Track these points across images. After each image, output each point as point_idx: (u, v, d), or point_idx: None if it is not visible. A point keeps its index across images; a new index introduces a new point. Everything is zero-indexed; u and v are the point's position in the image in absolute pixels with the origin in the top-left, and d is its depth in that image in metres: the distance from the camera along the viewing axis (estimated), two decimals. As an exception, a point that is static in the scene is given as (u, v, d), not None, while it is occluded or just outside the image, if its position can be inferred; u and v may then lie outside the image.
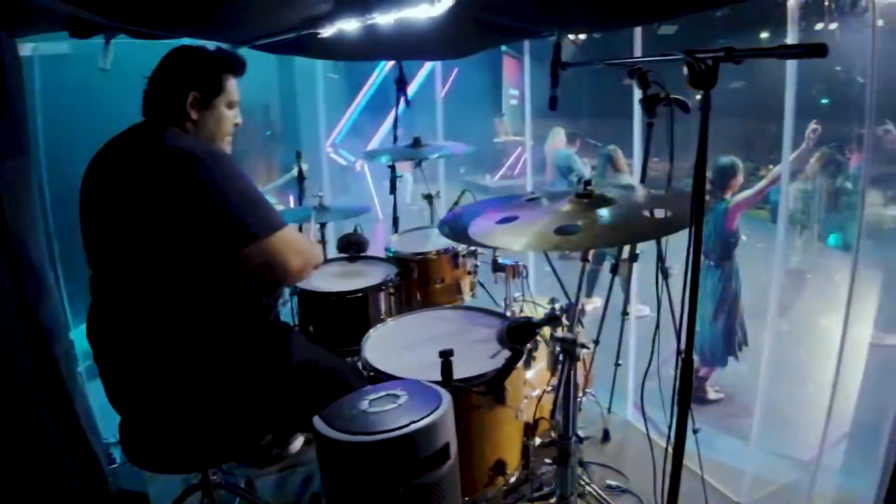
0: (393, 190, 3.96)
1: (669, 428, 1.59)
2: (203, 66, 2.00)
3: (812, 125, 3.95)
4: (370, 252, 3.42)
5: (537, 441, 2.40)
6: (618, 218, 1.86)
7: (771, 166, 4.42)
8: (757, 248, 5.49)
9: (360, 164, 8.80)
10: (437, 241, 3.29)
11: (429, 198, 3.86)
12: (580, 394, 2.74)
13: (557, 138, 7.84)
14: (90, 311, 1.95)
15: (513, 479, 2.33)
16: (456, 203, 3.43)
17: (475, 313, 2.70)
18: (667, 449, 1.71)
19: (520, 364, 2.16)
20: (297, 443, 3.13)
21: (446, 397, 1.78)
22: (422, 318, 2.69)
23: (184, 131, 1.96)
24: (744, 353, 4.45)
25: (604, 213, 1.87)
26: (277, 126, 8.13)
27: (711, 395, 4.58)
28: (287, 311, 3.08)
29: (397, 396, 1.78)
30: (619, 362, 3.37)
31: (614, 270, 3.13)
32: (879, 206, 5.94)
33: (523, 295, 3.14)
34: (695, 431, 2.78)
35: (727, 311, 4.39)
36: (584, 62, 1.97)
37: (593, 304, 5.74)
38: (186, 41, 2.14)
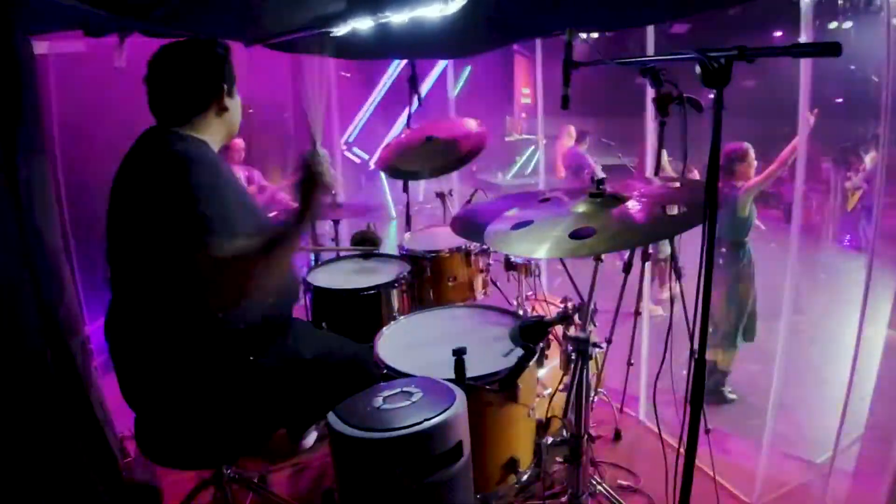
0: (406, 188, 3.98)
1: (682, 428, 1.59)
2: (217, 56, 2.00)
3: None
4: (383, 250, 3.43)
5: (549, 440, 2.39)
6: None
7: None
8: (770, 247, 5.46)
9: (373, 163, 8.81)
10: (449, 240, 3.29)
11: (442, 196, 3.87)
12: (592, 393, 2.74)
13: (567, 137, 7.84)
14: (109, 309, 1.97)
15: (525, 478, 2.33)
16: (469, 202, 3.44)
17: (488, 312, 2.70)
18: (679, 449, 1.70)
19: (532, 363, 2.16)
20: (311, 438, 3.15)
21: (460, 395, 1.78)
22: (434, 317, 2.70)
23: (205, 126, 1.97)
24: (755, 340, 4.43)
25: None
26: (290, 124, 8.17)
27: (728, 395, 4.56)
28: (300, 307, 3.10)
29: (411, 393, 1.79)
30: (632, 361, 3.36)
31: (626, 269, 3.13)
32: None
33: (535, 293, 3.14)
34: (707, 432, 2.78)
35: (742, 295, 4.37)
36: (597, 61, 1.97)
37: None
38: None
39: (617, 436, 3.32)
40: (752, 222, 4.36)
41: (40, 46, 3.38)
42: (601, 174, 2.01)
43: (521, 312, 2.77)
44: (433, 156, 3.40)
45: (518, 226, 1.96)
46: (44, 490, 2.15)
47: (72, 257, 3.47)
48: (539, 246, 1.81)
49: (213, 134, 2.00)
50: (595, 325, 2.23)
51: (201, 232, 1.67)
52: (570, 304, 2.16)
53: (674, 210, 1.81)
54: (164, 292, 1.80)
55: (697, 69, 1.37)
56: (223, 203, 1.78)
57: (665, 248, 4.38)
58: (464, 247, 3.22)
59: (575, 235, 1.78)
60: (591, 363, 2.21)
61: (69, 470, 2.25)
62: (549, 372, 2.63)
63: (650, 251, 3.10)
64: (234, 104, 2.05)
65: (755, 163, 4.41)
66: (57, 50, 3.82)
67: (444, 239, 3.38)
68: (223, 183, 1.89)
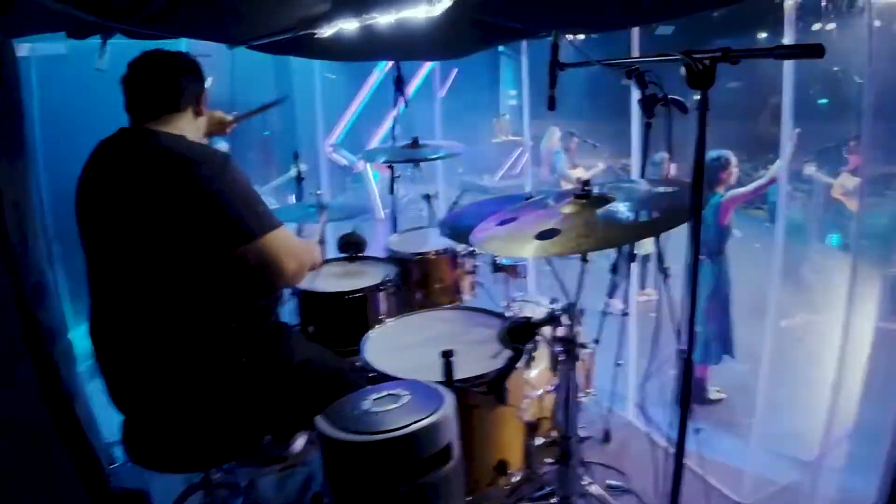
0: (392, 190, 3.96)
1: (670, 428, 1.59)
2: (198, 66, 2.07)
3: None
4: (369, 252, 3.42)
5: (539, 441, 2.40)
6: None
7: (770, 166, 4.35)
8: (755, 247, 5.48)
9: (361, 164, 8.79)
10: (436, 242, 3.28)
11: (427, 198, 3.86)
12: (581, 394, 2.74)
13: (553, 138, 7.87)
14: (91, 312, 1.95)
15: (515, 479, 2.33)
16: (455, 203, 3.43)
17: (475, 314, 2.70)
18: (668, 449, 1.71)
19: (521, 364, 2.15)
20: (300, 442, 3.12)
21: (448, 397, 1.78)
22: (421, 319, 2.69)
23: (184, 125, 1.98)
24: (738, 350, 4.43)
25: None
26: (275, 127, 8.13)
27: (712, 394, 4.57)
28: (287, 311, 3.08)
29: (400, 396, 1.78)
30: (620, 362, 3.37)
31: (614, 269, 3.13)
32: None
33: (523, 295, 3.14)
34: (696, 431, 2.78)
35: (721, 307, 4.37)
36: (582, 62, 1.97)
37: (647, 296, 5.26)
38: (184, 42, 2.14)
39: (606, 436, 3.32)
40: (731, 232, 4.35)
41: (22, 49, 3.35)
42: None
43: (508, 314, 2.77)
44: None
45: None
46: (28, 497, 2.12)
47: (54, 261, 3.44)
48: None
49: (189, 135, 1.99)
50: (582, 326, 2.24)
51: (233, 222, 1.78)
52: (557, 305, 2.16)
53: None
54: (171, 291, 1.82)
55: (682, 71, 1.37)
56: (244, 191, 1.85)
57: (646, 246, 4.36)
58: (451, 249, 3.21)
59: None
60: (580, 364, 2.21)
61: (53, 476, 2.23)
62: (537, 373, 2.63)
63: (635, 252, 3.10)
64: (206, 107, 2.12)
65: (736, 171, 4.41)
66: (39, 52, 3.79)
67: (431, 241, 3.38)
68: (233, 170, 1.89)
